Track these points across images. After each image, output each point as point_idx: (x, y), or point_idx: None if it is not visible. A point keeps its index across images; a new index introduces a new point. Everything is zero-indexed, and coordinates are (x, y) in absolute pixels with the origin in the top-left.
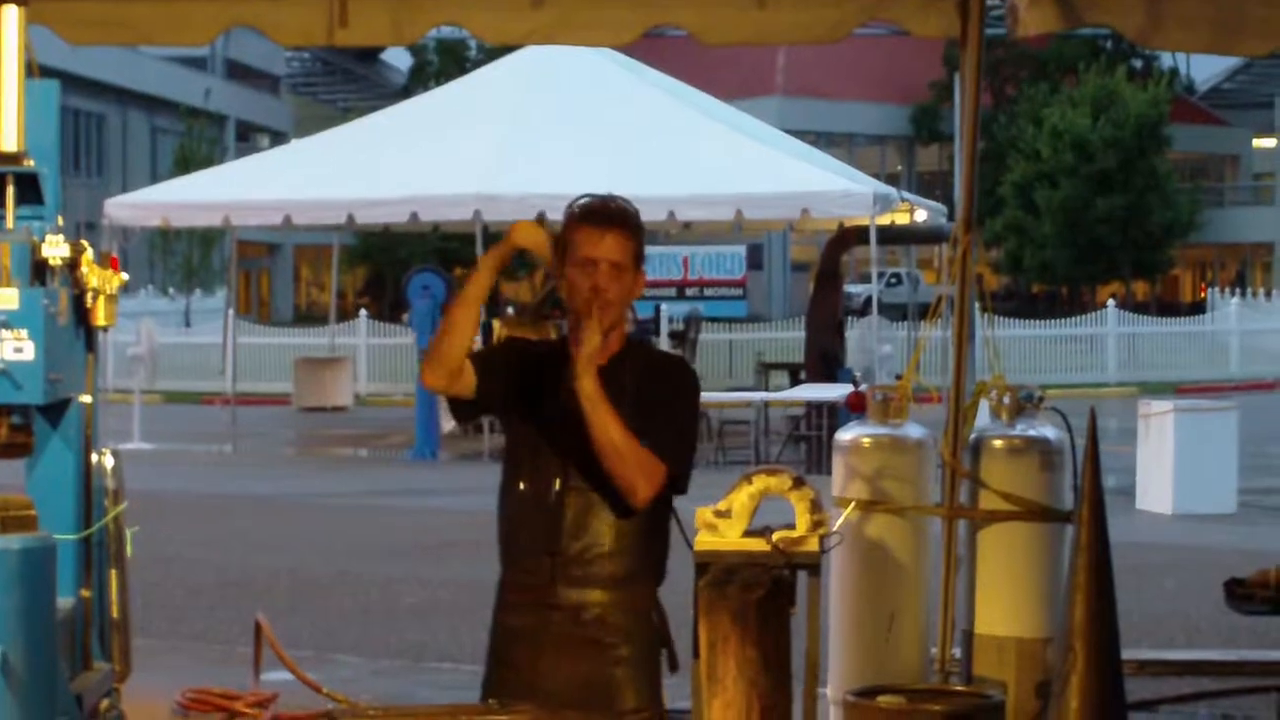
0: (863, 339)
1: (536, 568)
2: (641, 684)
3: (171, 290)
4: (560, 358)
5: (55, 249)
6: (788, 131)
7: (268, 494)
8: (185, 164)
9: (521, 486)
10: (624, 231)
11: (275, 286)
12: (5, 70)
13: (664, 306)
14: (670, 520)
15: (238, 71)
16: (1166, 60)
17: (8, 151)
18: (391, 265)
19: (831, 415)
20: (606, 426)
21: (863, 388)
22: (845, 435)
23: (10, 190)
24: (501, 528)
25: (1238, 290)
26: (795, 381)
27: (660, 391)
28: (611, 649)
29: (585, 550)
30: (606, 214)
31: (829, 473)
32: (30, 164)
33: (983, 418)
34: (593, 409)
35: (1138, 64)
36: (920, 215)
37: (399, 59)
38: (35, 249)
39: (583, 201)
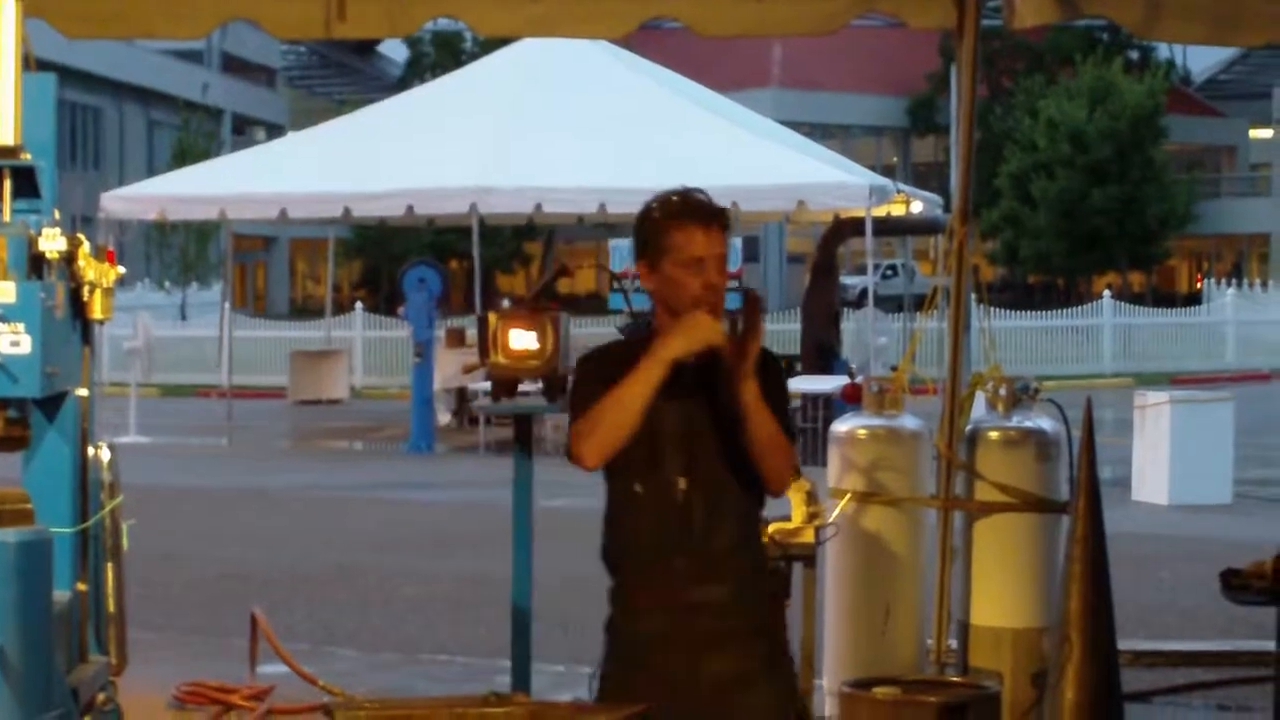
0: (859, 330)
1: (668, 569)
2: (788, 668)
3: (167, 284)
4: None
5: (52, 242)
6: (783, 123)
7: (264, 487)
8: (183, 158)
9: (638, 489)
10: (722, 225)
11: (271, 280)
12: (2, 63)
13: None
14: None
15: (234, 65)
16: (1163, 51)
17: (4, 145)
18: (387, 259)
19: (827, 407)
20: (768, 424)
21: (858, 379)
22: (841, 427)
23: (7, 184)
24: (616, 532)
25: (1234, 281)
26: (791, 373)
27: (766, 383)
28: (756, 640)
29: (717, 546)
30: (708, 211)
31: (825, 464)
32: (27, 157)
33: (978, 409)
34: (756, 410)
35: (1134, 55)
36: (916, 207)
37: (395, 52)
38: (32, 242)
39: (674, 199)
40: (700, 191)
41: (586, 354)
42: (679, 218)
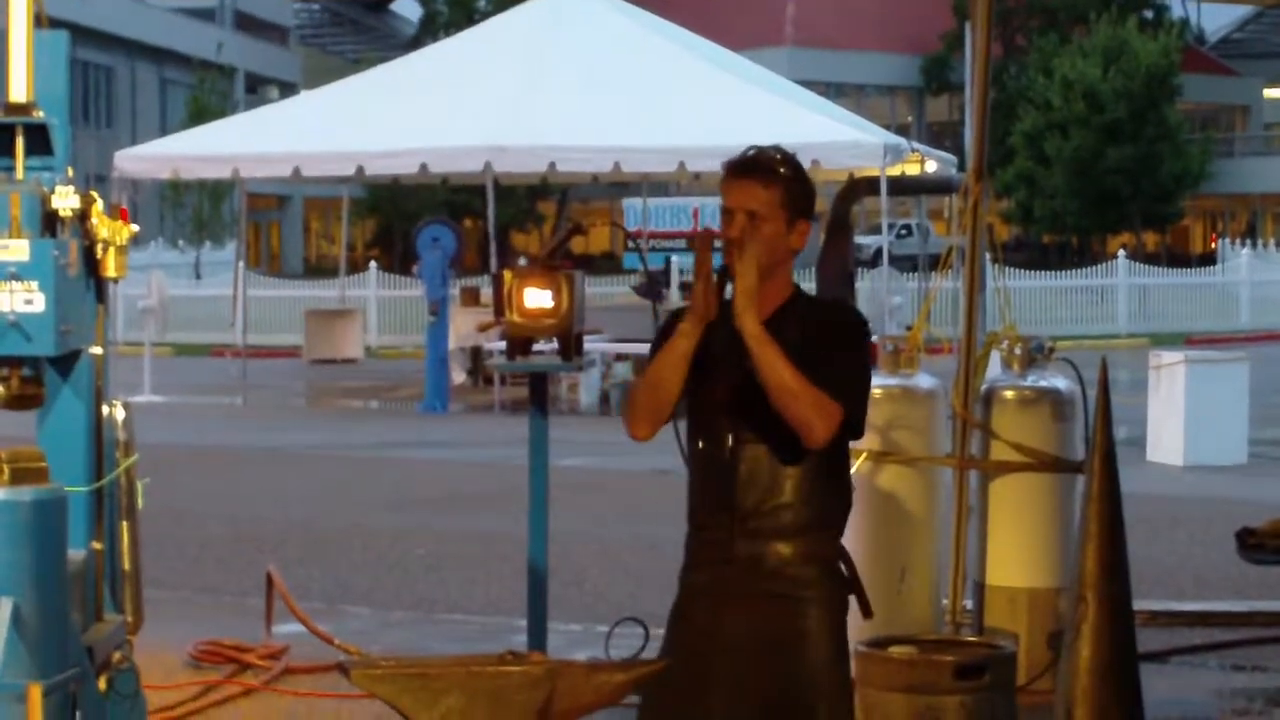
0: (873, 290)
1: (716, 524)
2: (827, 635)
3: (181, 243)
4: (727, 314)
5: (65, 200)
6: (797, 82)
7: (278, 446)
8: (198, 117)
9: (700, 444)
10: (760, 179)
11: (285, 239)
12: (13, 21)
13: (675, 258)
14: (849, 467)
15: (246, 23)
16: (1177, 10)
17: (17, 102)
18: (401, 218)
19: None
20: (775, 365)
21: (873, 339)
22: None
23: (20, 141)
24: (688, 488)
25: (1248, 241)
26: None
27: (827, 338)
28: (795, 601)
29: (761, 503)
30: (742, 164)
31: None
32: (39, 114)
33: (994, 368)
34: (759, 348)
35: (1148, 14)
36: (930, 166)
37: (408, 10)
38: (45, 200)
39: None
40: (776, 150)
41: (672, 312)
42: (723, 171)
